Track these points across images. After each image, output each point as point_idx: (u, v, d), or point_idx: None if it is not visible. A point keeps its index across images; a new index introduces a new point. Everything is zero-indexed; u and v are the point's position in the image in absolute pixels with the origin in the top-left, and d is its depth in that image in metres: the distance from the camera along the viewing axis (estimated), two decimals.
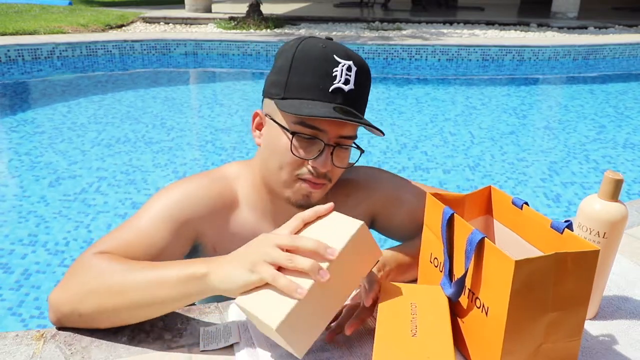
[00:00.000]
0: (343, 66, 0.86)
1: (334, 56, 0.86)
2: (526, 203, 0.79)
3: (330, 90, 0.85)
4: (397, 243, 1.11)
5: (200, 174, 1.00)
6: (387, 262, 0.90)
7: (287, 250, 0.72)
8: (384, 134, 0.90)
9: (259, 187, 0.96)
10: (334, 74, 0.85)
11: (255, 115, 0.95)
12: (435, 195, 0.81)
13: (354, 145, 0.93)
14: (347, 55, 0.87)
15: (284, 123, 0.88)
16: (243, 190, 0.98)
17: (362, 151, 0.94)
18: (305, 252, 0.70)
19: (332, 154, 0.87)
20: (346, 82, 0.86)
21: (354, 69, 0.87)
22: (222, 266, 0.74)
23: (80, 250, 2.30)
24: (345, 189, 1.02)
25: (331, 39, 0.91)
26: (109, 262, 0.82)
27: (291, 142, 0.87)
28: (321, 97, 0.85)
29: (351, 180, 1.03)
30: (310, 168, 0.88)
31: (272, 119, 0.90)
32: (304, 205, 0.90)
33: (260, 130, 0.95)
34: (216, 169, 1.02)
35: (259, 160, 0.95)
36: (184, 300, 0.78)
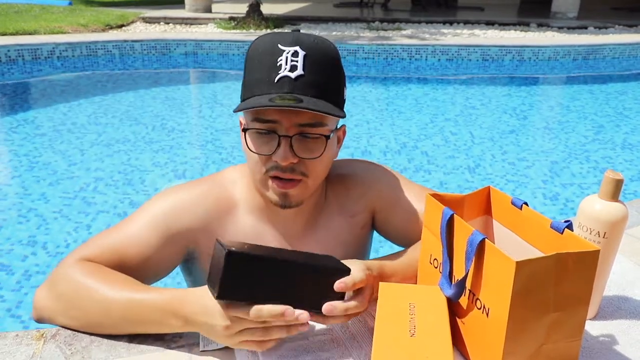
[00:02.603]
0: (287, 53, 0.82)
1: (278, 45, 0.83)
2: (525, 203, 0.79)
3: (275, 80, 0.81)
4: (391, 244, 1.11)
5: (200, 179, 1.01)
6: (371, 267, 0.86)
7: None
8: (341, 116, 0.85)
9: (255, 190, 0.96)
10: (278, 64, 0.82)
11: (240, 121, 0.96)
12: (435, 195, 0.81)
13: (321, 134, 0.85)
14: (295, 40, 0.83)
15: (244, 122, 0.89)
16: (241, 194, 0.97)
17: (326, 139, 0.86)
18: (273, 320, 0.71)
19: (291, 145, 0.83)
20: (292, 68, 0.81)
21: (301, 53, 0.82)
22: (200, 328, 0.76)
23: None
24: (345, 183, 1.01)
25: (298, 31, 0.87)
26: (90, 278, 0.83)
27: (245, 139, 0.87)
28: (267, 90, 0.82)
29: (351, 175, 1.02)
30: (274, 163, 0.86)
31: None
32: (286, 206, 0.89)
33: None
34: (217, 173, 1.02)
35: None
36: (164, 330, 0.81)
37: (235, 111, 0.82)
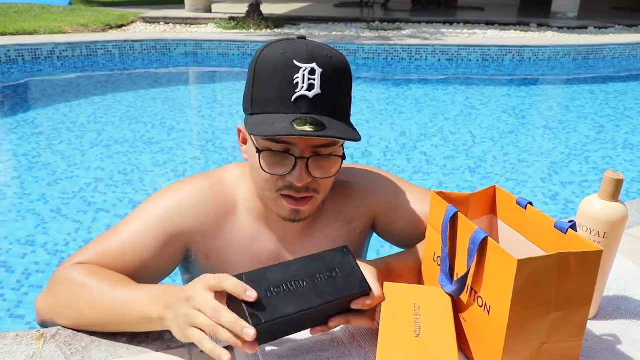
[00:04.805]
0: (304, 71, 0.79)
1: (294, 61, 0.79)
2: (530, 203, 0.79)
3: (292, 100, 0.79)
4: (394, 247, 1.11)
5: (199, 175, 0.99)
6: (380, 268, 0.86)
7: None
8: (358, 140, 0.81)
9: (255, 193, 0.94)
10: (295, 82, 0.78)
11: (239, 130, 0.93)
12: (440, 194, 0.81)
13: (336, 155, 0.86)
14: (311, 56, 0.80)
15: (255, 140, 0.85)
16: (242, 194, 0.96)
17: (343, 159, 0.88)
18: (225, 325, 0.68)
19: (307, 165, 0.82)
20: (310, 87, 0.79)
21: (318, 71, 0.79)
22: (168, 318, 0.74)
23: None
24: (344, 189, 1.00)
25: (304, 38, 0.85)
26: (85, 277, 0.83)
27: (259, 159, 0.83)
28: (283, 109, 0.79)
29: (351, 182, 1.01)
30: (288, 182, 0.84)
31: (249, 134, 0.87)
32: (296, 221, 0.89)
33: (246, 144, 0.92)
34: (218, 169, 1.00)
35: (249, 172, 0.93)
36: (146, 328, 0.80)
37: (253, 134, 0.79)
